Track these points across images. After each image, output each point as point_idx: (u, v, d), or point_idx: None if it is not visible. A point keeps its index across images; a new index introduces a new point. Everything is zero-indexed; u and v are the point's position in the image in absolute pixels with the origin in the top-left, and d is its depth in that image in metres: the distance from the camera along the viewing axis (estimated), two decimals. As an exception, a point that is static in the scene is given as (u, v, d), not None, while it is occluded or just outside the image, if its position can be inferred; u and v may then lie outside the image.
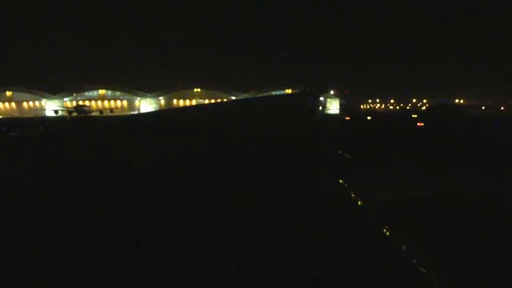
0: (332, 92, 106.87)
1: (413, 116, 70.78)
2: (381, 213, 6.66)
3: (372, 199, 8.02)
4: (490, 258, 6.09)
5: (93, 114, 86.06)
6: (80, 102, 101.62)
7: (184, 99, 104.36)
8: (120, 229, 2.53)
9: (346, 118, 66.72)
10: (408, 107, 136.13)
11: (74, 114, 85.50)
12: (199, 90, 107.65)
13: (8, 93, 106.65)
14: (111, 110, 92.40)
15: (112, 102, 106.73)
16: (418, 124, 43.99)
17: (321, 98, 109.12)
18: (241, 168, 3.80)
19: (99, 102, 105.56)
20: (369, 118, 67.10)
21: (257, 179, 3.66)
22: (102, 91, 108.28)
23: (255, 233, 2.78)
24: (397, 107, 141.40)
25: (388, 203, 8.72)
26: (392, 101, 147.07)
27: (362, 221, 3.52)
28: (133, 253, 2.45)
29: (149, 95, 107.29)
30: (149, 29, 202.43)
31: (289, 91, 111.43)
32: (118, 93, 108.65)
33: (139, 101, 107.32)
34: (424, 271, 2.71)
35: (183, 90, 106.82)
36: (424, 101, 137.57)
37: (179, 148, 4.06)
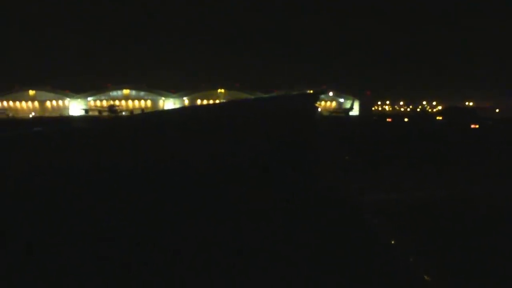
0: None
1: (437, 118, 72.56)
2: (390, 214, 6.53)
3: (380, 199, 7.97)
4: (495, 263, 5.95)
5: (124, 114, 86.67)
6: (105, 102, 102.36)
7: (208, 99, 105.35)
8: (140, 227, 2.69)
9: (388, 119, 67.90)
10: (418, 109, 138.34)
11: (105, 113, 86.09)
12: (222, 90, 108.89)
13: (31, 92, 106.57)
14: (142, 110, 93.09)
15: (137, 102, 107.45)
16: (472, 125, 45.60)
17: (342, 100, 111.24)
18: (240, 168, 3.77)
19: (123, 102, 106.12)
20: (406, 119, 68.50)
21: (258, 178, 3.63)
22: (126, 91, 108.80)
23: (263, 232, 2.82)
24: (408, 109, 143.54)
25: (400, 204, 8.75)
26: (401, 103, 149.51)
27: (368, 222, 3.50)
28: (151, 251, 2.52)
29: (173, 95, 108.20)
30: (174, 29, 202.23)
31: (310, 91, 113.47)
32: (142, 93, 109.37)
33: (164, 101, 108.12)
34: (428, 278, 2.79)
35: (207, 90, 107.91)
36: (434, 103, 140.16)
37: (178, 148, 4.12)
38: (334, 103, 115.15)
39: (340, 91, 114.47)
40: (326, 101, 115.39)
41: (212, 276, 2.37)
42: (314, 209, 3.23)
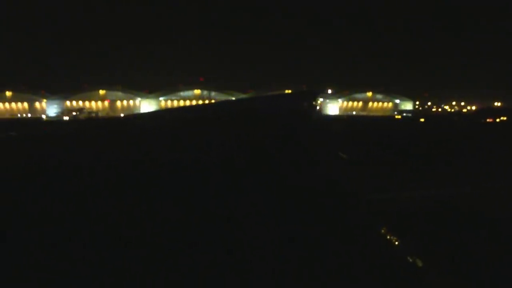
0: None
1: (502, 118, 76.28)
2: (388, 212, 6.36)
3: (380, 198, 7.86)
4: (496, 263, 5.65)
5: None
6: (176, 102, 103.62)
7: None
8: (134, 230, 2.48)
9: (488, 120, 70.67)
10: (450, 110, 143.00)
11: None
12: (290, 91, 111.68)
13: (102, 92, 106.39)
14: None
15: (207, 102, 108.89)
16: None
17: (397, 101, 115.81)
18: (238, 168, 3.64)
19: (194, 102, 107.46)
20: (498, 120, 71.64)
21: (254, 178, 3.50)
22: (197, 91, 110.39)
23: (255, 232, 2.70)
24: (439, 109, 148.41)
25: (398, 203, 8.49)
26: (429, 103, 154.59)
27: (365, 221, 3.32)
28: (148, 254, 2.34)
29: (243, 95, 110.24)
30: (250, 29, 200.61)
31: (370, 94, 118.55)
32: (213, 93, 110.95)
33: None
34: (427, 277, 2.60)
35: (273, 91, 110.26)
36: (462, 103, 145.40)
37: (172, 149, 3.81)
38: (390, 104, 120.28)
39: (395, 92, 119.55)
40: (383, 102, 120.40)
41: (212, 274, 2.25)
42: (311, 206, 3.03)
